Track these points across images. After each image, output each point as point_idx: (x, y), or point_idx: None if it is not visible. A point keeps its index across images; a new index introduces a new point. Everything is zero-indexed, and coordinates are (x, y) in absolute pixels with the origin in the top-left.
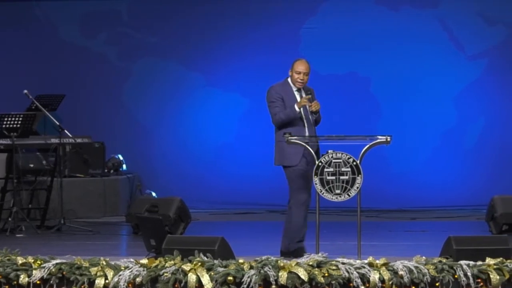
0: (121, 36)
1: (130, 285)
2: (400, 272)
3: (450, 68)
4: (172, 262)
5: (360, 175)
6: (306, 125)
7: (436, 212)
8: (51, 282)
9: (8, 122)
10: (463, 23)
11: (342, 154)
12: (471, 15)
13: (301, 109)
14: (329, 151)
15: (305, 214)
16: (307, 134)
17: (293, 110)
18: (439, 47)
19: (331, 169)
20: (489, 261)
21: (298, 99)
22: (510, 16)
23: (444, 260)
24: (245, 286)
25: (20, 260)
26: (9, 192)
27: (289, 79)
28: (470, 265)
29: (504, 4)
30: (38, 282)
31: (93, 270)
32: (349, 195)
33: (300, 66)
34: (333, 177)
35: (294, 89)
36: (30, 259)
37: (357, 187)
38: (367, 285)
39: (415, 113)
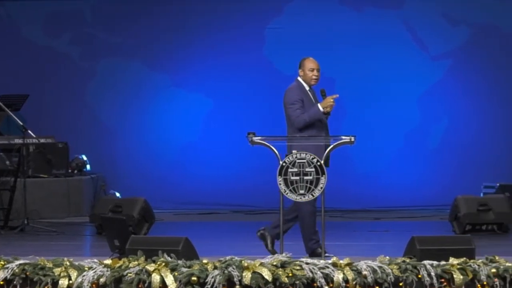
0: (85, 36)
1: (94, 285)
2: (364, 272)
3: (414, 69)
4: (136, 262)
5: (324, 175)
6: (322, 126)
7: (399, 212)
8: (15, 282)
9: None
10: (427, 24)
11: (306, 154)
12: (434, 16)
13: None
14: (293, 151)
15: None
16: (323, 134)
17: (317, 111)
18: (403, 48)
19: (295, 169)
20: (453, 261)
21: (312, 98)
22: (473, 17)
23: (407, 260)
24: (209, 286)
25: None
26: None
27: (299, 79)
28: (434, 265)
29: (467, 5)
30: (1, 282)
31: (57, 270)
32: (313, 195)
33: (311, 64)
34: (297, 177)
35: (307, 88)
36: None
37: (321, 187)
38: (331, 285)
39: (379, 113)
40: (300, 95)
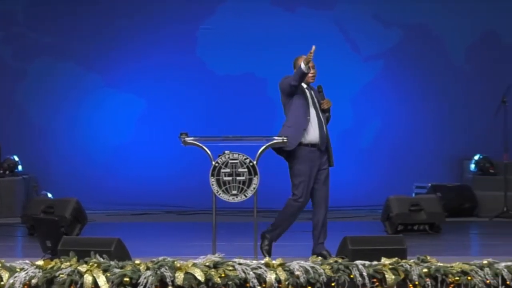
0: (17, 36)
1: (25, 286)
2: (297, 272)
3: (346, 69)
4: (68, 263)
5: (256, 176)
6: (316, 124)
7: (332, 213)
8: None
9: None
10: (359, 25)
11: (239, 155)
12: (366, 17)
13: (313, 108)
14: (226, 151)
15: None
16: (318, 133)
17: (299, 68)
18: (335, 49)
19: (228, 170)
20: (385, 261)
21: (308, 96)
22: (405, 18)
23: (340, 260)
24: (142, 287)
25: None
26: None
27: None
28: (366, 265)
29: (399, 6)
30: None
31: None
32: (245, 196)
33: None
34: (230, 178)
35: (305, 86)
36: None
37: (254, 188)
38: (264, 285)
39: None
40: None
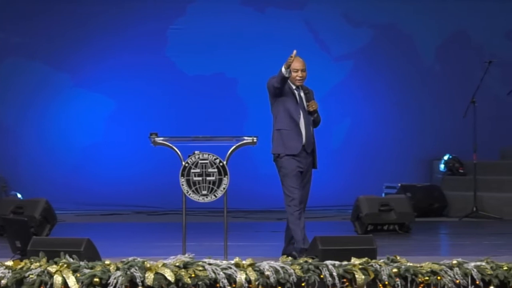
0: None
1: None
2: (267, 273)
3: (316, 70)
4: (38, 264)
5: (226, 176)
6: (303, 126)
7: None
8: None
9: None
10: (329, 25)
11: (208, 155)
12: (336, 17)
13: (301, 110)
14: (196, 152)
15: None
16: (303, 135)
17: (279, 71)
18: (305, 49)
19: (198, 170)
20: (355, 261)
21: (297, 97)
22: (374, 19)
23: (310, 260)
24: (112, 287)
25: None
26: None
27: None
28: (336, 265)
29: (369, 6)
30: None
31: None
32: (215, 196)
33: (296, 64)
34: (200, 178)
35: (293, 87)
36: None
37: (224, 188)
38: (234, 285)
39: None
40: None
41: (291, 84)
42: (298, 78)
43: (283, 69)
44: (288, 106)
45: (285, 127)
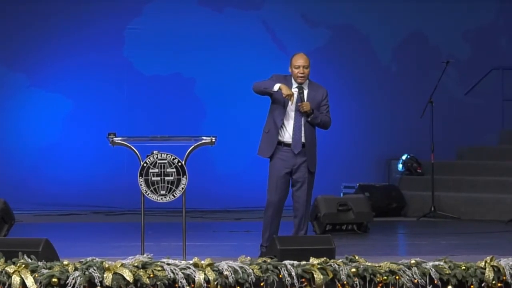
0: None
1: None
2: (225, 273)
3: (274, 70)
4: None
5: (185, 176)
6: (291, 125)
7: (260, 213)
8: None
9: None
10: (286, 25)
11: (167, 155)
12: (294, 17)
13: (292, 111)
14: (154, 151)
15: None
16: (291, 134)
17: (271, 83)
18: (263, 49)
19: (156, 170)
20: (313, 260)
21: (294, 97)
22: (332, 19)
23: (268, 260)
24: (70, 287)
25: None
26: None
27: (292, 76)
28: (294, 265)
29: (326, 6)
30: None
31: None
32: (174, 196)
33: (299, 60)
34: (158, 178)
35: (294, 85)
36: None
37: (182, 188)
38: (192, 285)
39: (239, 114)
40: (280, 79)
41: (293, 82)
42: (299, 74)
43: (275, 87)
44: (275, 107)
45: (265, 129)
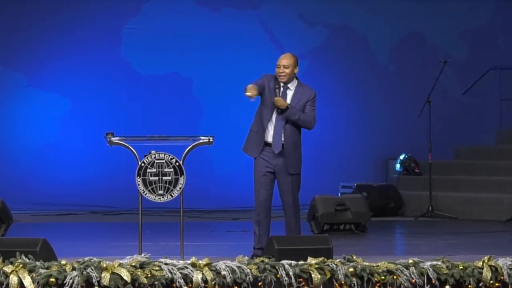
0: None
1: None
2: (223, 272)
3: (272, 69)
4: None
5: (183, 176)
6: (272, 126)
7: None
8: None
9: None
10: (284, 25)
11: (165, 154)
12: (291, 16)
13: (274, 111)
14: (152, 151)
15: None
16: (270, 136)
17: (261, 84)
18: (260, 48)
19: (154, 170)
20: (311, 260)
21: (279, 95)
22: (329, 18)
23: (266, 260)
24: (68, 287)
25: None
26: None
27: None
28: (292, 264)
29: (323, 6)
30: None
31: None
32: (172, 196)
33: (281, 60)
34: (156, 178)
35: (281, 84)
36: None
37: (180, 188)
38: (190, 285)
39: (237, 114)
40: (268, 79)
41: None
42: (279, 73)
43: (245, 91)
44: (262, 107)
45: (254, 128)
